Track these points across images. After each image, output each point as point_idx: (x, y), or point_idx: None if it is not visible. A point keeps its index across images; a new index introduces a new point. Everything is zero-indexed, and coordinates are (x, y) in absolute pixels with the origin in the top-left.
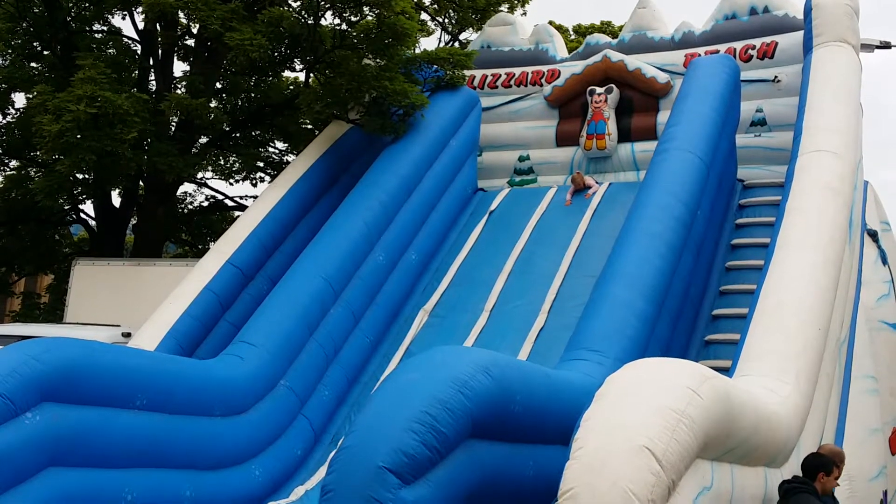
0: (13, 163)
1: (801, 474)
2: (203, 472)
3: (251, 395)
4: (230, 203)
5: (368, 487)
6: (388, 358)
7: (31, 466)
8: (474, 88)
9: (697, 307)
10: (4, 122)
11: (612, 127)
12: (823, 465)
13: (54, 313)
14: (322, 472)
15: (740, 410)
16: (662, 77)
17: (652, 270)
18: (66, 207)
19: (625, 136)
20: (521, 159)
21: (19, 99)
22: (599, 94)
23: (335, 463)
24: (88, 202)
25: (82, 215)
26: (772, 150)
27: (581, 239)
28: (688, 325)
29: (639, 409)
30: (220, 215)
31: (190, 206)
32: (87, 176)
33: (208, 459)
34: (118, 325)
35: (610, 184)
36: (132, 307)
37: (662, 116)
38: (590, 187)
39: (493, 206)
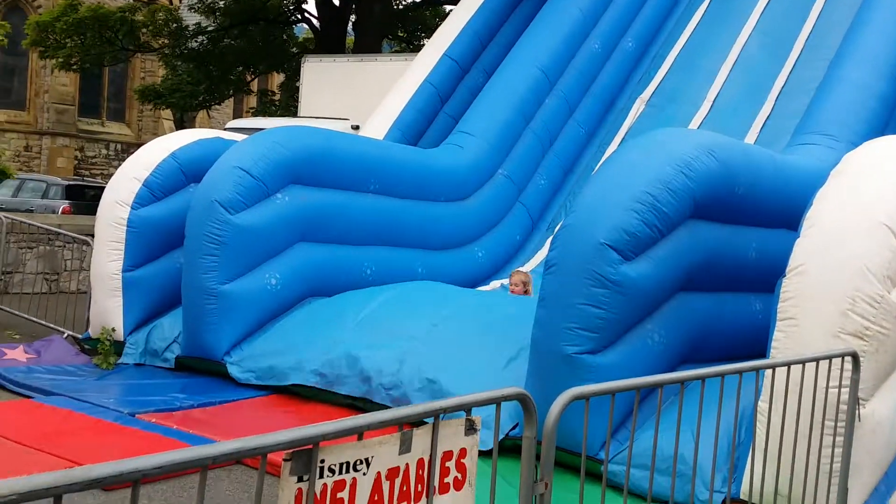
0: None
1: None
2: (432, 252)
3: (472, 183)
4: None
5: (590, 262)
6: (603, 149)
7: (285, 240)
8: None
9: None
10: None
11: None
12: None
13: (288, 109)
14: (539, 256)
15: None
16: None
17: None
18: (291, 7)
19: None
20: None
21: None
22: None
23: (558, 240)
24: (311, 1)
25: (306, 14)
26: None
27: (816, 18)
28: None
29: (878, 186)
30: (432, 10)
31: (404, 3)
32: None
33: (436, 240)
34: (347, 119)
35: None
36: (357, 101)
37: None
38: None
39: None
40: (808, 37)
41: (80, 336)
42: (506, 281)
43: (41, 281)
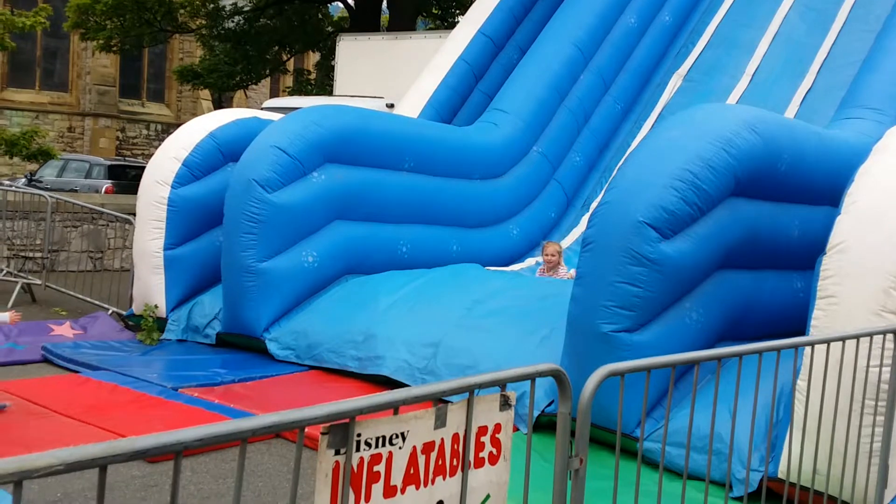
0: None
1: None
2: (467, 230)
3: (506, 160)
4: None
5: (628, 241)
6: (639, 125)
7: (321, 218)
8: None
9: None
10: None
11: None
12: None
13: (324, 88)
14: (574, 233)
15: None
16: None
17: None
18: None
19: None
20: None
21: None
22: None
23: (595, 217)
24: None
25: None
26: None
27: None
28: None
29: None
30: None
31: None
32: None
33: (470, 218)
34: (381, 97)
35: None
36: (391, 79)
37: None
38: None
39: None
40: (852, 7)
41: (124, 313)
42: (540, 258)
43: (86, 259)
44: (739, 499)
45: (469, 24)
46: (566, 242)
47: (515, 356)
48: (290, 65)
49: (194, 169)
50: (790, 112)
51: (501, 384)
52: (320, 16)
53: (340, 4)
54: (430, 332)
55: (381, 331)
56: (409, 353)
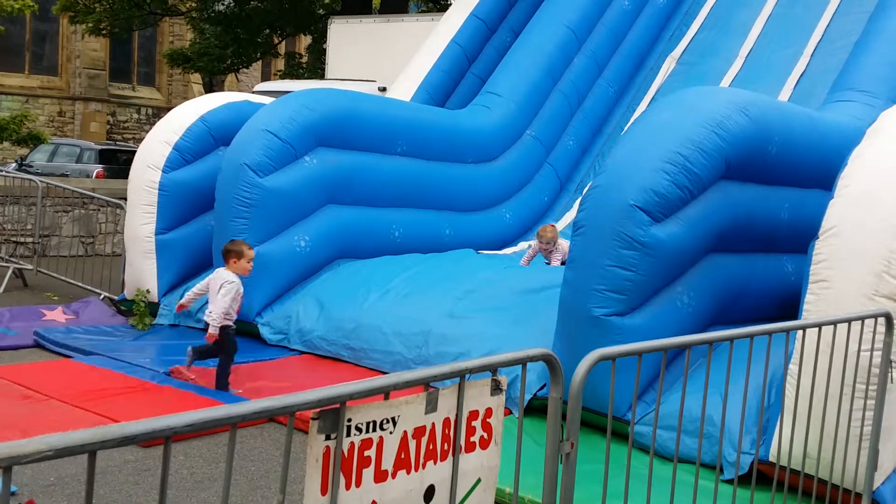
0: None
1: None
2: (459, 214)
3: (499, 144)
4: None
5: (619, 224)
6: (633, 108)
7: (313, 202)
8: None
9: None
10: None
11: None
12: None
13: (315, 71)
14: (567, 217)
15: None
16: None
17: None
18: None
19: None
20: None
21: None
22: None
23: (586, 201)
24: None
25: None
26: None
27: None
28: None
29: None
30: None
31: None
32: None
33: (463, 202)
34: (374, 81)
35: None
36: (384, 62)
37: None
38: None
39: None
40: None
41: (116, 298)
42: (532, 242)
43: (77, 244)
44: (730, 481)
45: (462, 7)
46: (559, 226)
47: (508, 344)
48: (282, 48)
49: (185, 153)
50: (784, 95)
51: (492, 369)
52: None
53: None
54: (422, 321)
55: (372, 321)
56: (401, 344)
